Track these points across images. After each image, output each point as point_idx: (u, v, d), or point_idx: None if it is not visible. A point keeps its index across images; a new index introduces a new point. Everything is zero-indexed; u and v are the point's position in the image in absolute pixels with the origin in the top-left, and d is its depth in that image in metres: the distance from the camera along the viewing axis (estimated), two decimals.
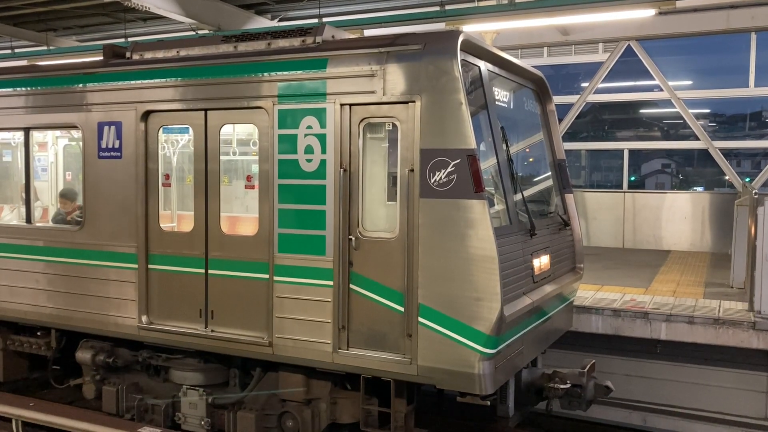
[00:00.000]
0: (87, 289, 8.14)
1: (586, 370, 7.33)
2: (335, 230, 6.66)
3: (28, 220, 8.82)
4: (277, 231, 6.94)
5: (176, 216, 8.80)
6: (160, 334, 7.69)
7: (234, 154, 8.81)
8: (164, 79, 7.55)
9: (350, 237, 6.64)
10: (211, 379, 7.85)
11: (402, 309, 6.43)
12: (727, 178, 16.72)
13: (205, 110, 7.36)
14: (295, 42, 7.19)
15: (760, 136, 18.00)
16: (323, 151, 6.70)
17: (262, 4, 17.46)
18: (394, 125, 6.47)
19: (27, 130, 8.74)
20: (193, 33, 16.01)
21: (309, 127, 6.75)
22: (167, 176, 7.99)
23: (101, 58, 8.39)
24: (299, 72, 6.81)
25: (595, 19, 13.45)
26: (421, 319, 6.31)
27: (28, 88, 8.61)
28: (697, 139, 16.75)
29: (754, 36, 16.02)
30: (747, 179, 16.28)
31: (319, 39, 7.06)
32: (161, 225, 7.74)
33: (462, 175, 6.10)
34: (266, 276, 7.06)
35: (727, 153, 16.97)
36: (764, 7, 15.00)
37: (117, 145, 7.87)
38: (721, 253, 15.38)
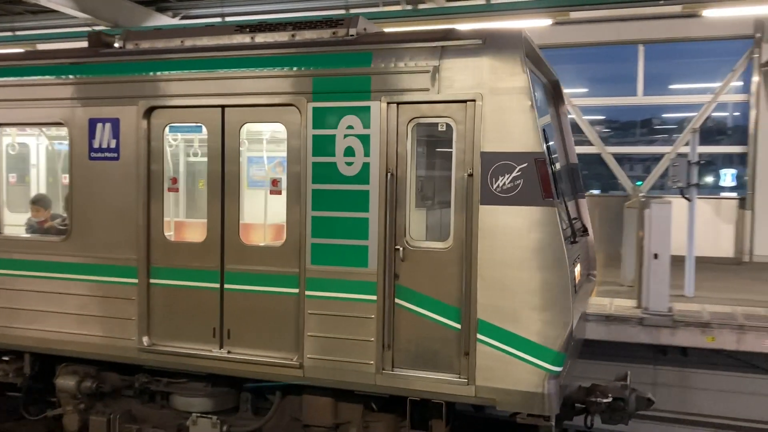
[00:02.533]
0: (73, 308, 7.17)
1: (627, 382, 7.06)
2: (380, 240, 6.08)
3: None
4: (311, 240, 6.29)
5: (183, 224, 7.93)
6: (165, 357, 6.84)
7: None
8: (174, 72, 6.74)
9: (397, 247, 6.07)
10: (221, 405, 7.06)
11: (457, 325, 5.93)
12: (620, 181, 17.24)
13: (223, 107, 6.60)
14: (325, 34, 6.56)
15: (649, 142, 18.67)
16: (366, 154, 6.10)
17: (163, 1, 16.75)
18: (448, 126, 5.97)
19: None
20: (90, 29, 14.94)
21: (350, 127, 6.14)
22: (174, 180, 7.16)
23: (85, 46, 7.49)
24: (339, 67, 6.20)
25: (494, 27, 13.73)
26: (480, 336, 5.83)
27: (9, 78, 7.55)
28: (591, 144, 17.13)
29: (641, 48, 16.55)
30: (639, 183, 16.77)
31: (353, 31, 6.47)
32: (166, 234, 6.90)
33: (529, 180, 5.66)
34: (296, 290, 6.38)
35: (621, 158, 17.44)
36: (650, 21, 15.58)
37: (114, 145, 6.97)
38: (615, 253, 15.85)
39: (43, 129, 8.74)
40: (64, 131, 7.29)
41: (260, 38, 6.78)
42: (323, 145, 6.24)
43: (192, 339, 6.78)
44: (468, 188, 5.83)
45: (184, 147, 8.42)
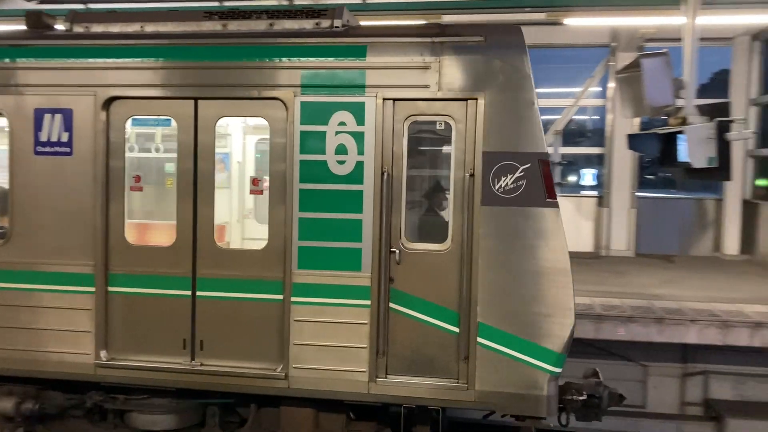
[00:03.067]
0: (12, 321, 6.37)
1: (600, 379, 7.18)
2: (374, 242, 5.81)
3: None
4: (297, 243, 5.91)
5: (144, 226, 7.22)
6: (126, 372, 6.21)
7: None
8: (139, 59, 6.12)
9: (393, 249, 5.83)
10: (187, 421, 6.52)
11: (456, 329, 5.77)
12: None
13: (196, 99, 6.07)
14: (307, 24, 6.19)
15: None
16: (360, 152, 5.81)
17: None
18: (447, 124, 5.79)
19: None
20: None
21: (342, 123, 5.82)
22: (137, 178, 6.49)
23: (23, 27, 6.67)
24: (330, 59, 5.85)
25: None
26: (480, 340, 5.70)
27: None
28: None
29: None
30: None
31: (338, 22, 6.14)
32: (127, 238, 6.26)
33: (533, 181, 5.60)
34: (279, 296, 5.98)
35: None
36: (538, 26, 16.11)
37: (66, 139, 6.23)
38: None
39: None
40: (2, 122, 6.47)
41: (233, 26, 6.30)
42: (312, 142, 5.87)
43: (158, 351, 6.20)
44: (468, 189, 5.69)
45: (150, 142, 7.72)
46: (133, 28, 6.42)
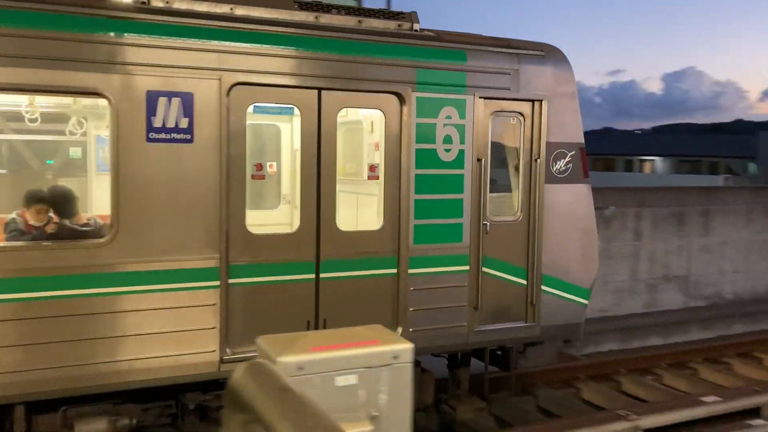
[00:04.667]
0: (121, 329, 5.58)
1: None
2: (472, 217, 6.91)
3: None
4: (413, 222, 6.63)
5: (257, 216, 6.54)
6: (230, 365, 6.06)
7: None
8: (268, 46, 5.93)
9: (484, 222, 6.99)
10: None
11: (525, 282, 7.28)
12: None
13: (320, 89, 6.20)
14: (391, 25, 6.80)
15: None
16: (462, 141, 6.82)
17: None
18: (518, 119, 7.16)
19: None
20: None
21: (448, 117, 6.74)
22: (259, 166, 6.11)
23: None
24: (439, 61, 6.67)
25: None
26: (544, 287, 7.34)
27: None
28: None
29: None
30: None
31: (416, 26, 6.91)
32: (248, 227, 6.02)
33: (576, 164, 7.42)
34: (394, 270, 6.62)
35: None
36: None
37: (185, 125, 5.68)
38: None
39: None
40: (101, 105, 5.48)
41: (325, 19, 6.51)
42: (425, 133, 6.65)
43: None
44: (535, 171, 7.22)
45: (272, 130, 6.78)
46: (222, 9, 6.11)
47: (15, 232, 5.76)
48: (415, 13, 7.09)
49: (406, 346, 4.60)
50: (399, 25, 6.93)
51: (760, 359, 11.07)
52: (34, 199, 5.95)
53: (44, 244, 5.68)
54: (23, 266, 5.37)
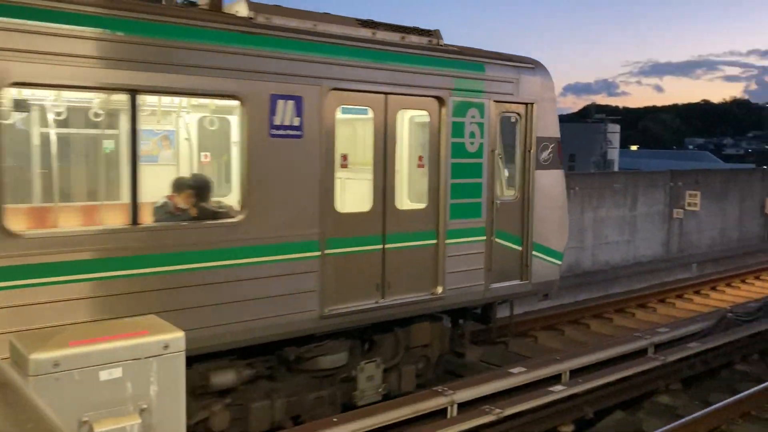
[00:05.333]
0: (246, 294, 6.65)
1: None
2: (487, 197, 8.64)
3: (135, 220, 5.99)
4: (450, 201, 8.21)
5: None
6: (339, 319, 7.37)
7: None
8: (351, 58, 7.23)
9: (495, 201, 8.72)
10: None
11: (520, 248, 9.12)
12: None
13: (386, 94, 7.57)
14: (423, 40, 8.29)
15: None
16: (482, 136, 8.54)
17: None
18: (517, 119, 8.93)
19: (133, 93, 5.88)
20: None
21: (473, 116, 8.41)
22: (345, 157, 7.28)
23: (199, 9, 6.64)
24: (465, 71, 8.30)
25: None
26: (534, 252, 9.23)
27: (136, 35, 5.87)
28: None
29: None
30: None
31: (442, 42, 8.45)
32: (336, 207, 7.27)
33: (555, 154, 9.38)
34: (434, 241, 8.17)
35: None
36: None
37: (297, 123, 6.83)
38: None
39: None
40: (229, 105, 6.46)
41: (380, 35, 7.87)
42: (458, 129, 8.25)
43: (359, 297, 7.58)
44: (527, 159, 9.08)
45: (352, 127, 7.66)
46: (306, 25, 7.29)
47: (167, 214, 6.65)
48: (438, 30, 8.66)
49: (177, 335, 4.60)
50: (429, 41, 8.47)
51: (633, 313, 13.94)
52: (182, 186, 6.88)
53: (191, 223, 6.71)
54: (174, 243, 6.35)
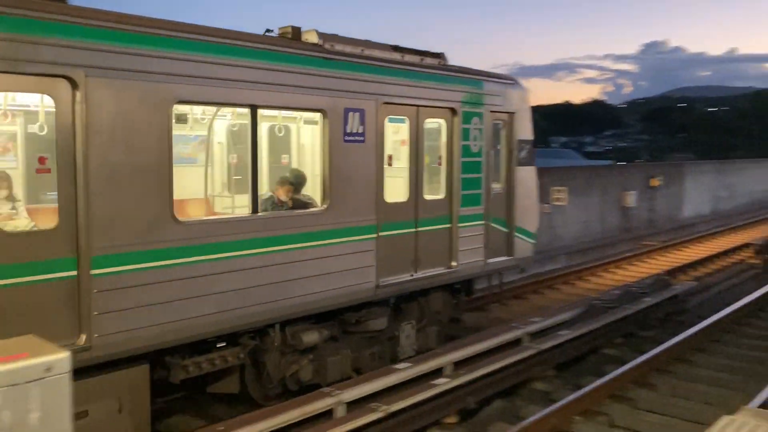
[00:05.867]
0: (326, 268, 8.39)
1: None
2: (485, 189, 10.76)
3: (255, 209, 7.55)
4: (461, 192, 10.25)
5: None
6: (387, 289, 9.23)
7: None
8: (396, 78, 9.10)
9: (496, 192, 10.90)
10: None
11: (506, 230, 11.23)
12: None
13: (418, 106, 9.46)
14: (435, 61, 10.15)
15: None
16: (481, 140, 10.61)
17: None
18: (501, 125, 11.07)
19: (254, 108, 7.32)
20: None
21: (475, 123, 10.47)
22: (390, 157, 8.98)
23: (288, 39, 8.28)
24: (470, 87, 10.40)
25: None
26: (516, 234, 11.40)
27: (257, 61, 7.34)
28: None
29: None
30: None
31: (447, 63, 10.34)
32: (385, 198, 9.15)
33: (529, 153, 11.58)
34: (448, 225, 10.22)
35: None
36: None
37: (361, 131, 8.58)
38: None
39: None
40: (316, 117, 8.15)
41: (407, 57, 9.68)
42: (465, 134, 10.31)
43: (399, 271, 9.44)
44: (510, 158, 11.19)
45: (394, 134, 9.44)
46: (356, 50, 8.98)
47: (274, 205, 8.24)
48: (444, 53, 10.56)
49: (61, 356, 4.29)
50: (439, 62, 10.34)
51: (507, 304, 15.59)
52: (284, 182, 8.49)
53: (288, 212, 8.31)
54: (276, 228, 7.93)
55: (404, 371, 8.65)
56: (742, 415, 5.86)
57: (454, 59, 10.54)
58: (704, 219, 31.42)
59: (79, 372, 5.67)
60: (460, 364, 9.37)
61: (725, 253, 21.83)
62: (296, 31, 8.49)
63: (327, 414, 7.70)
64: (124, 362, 6.68)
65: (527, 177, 11.81)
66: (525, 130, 11.72)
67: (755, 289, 15.27)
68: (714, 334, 12.19)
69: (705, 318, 12.67)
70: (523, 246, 11.80)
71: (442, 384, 8.56)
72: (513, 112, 11.41)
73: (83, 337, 6.22)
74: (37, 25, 5.84)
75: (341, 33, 9.79)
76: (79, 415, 5.91)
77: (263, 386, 8.37)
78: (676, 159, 79.45)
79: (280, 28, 8.61)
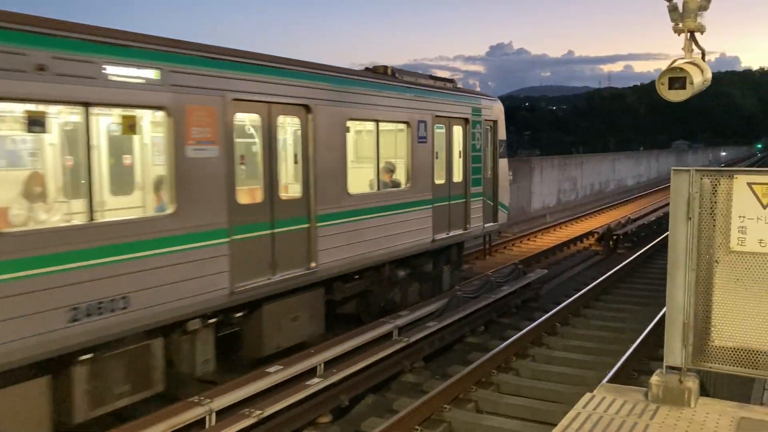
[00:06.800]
0: (407, 228, 12.61)
1: None
2: (486, 177, 15.62)
3: (378, 187, 12.02)
4: (471, 177, 14.96)
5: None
6: (436, 243, 13.64)
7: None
8: (439, 98, 13.77)
9: (488, 177, 15.65)
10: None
11: (492, 203, 16.19)
12: None
13: (449, 117, 14.22)
14: (449, 85, 14.89)
15: None
16: (480, 140, 15.42)
17: None
18: (490, 129, 16.00)
19: (377, 123, 11.86)
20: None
21: (477, 129, 15.32)
22: (437, 154, 13.55)
23: (377, 73, 12.72)
24: (474, 103, 15.19)
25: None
26: (499, 208, 16.43)
27: (379, 90, 11.75)
28: None
29: None
30: None
31: (456, 85, 15.22)
32: (435, 181, 13.62)
33: (504, 149, 16.77)
34: (464, 200, 14.80)
35: None
36: None
37: (426, 135, 13.23)
38: None
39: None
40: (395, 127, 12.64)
41: (437, 84, 14.23)
42: (473, 137, 15.08)
43: (442, 231, 13.80)
44: (495, 153, 16.22)
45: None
46: (412, 78, 13.46)
47: (384, 185, 12.37)
48: (454, 79, 15.33)
49: None
50: (453, 85, 15.03)
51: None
52: (387, 169, 12.62)
53: (393, 189, 12.43)
54: (381, 202, 11.98)
55: (275, 374, 8.56)
56: (603, 390, 6.44)
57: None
58: (551, 210, 34.32)
59: (295, 291, 9.62)
60: (333, 363, 9.44)
61: (572, 241, 24.11)
62: (385, 68, 12.81)
63: (200, 423, 7.45)
64: (309, 287, 10.20)
65: (504, 166, 16.69)
66: (502, 133, 16.58)
67: (599, 274, 17.55)
68: (566, 318, 13.66)
69: (558, 303, 14.31)
70: (503, 215, 16.71)
71: (315, 384, 8.63)
72: (495, 120, 16.21)
73: (313, 264, 9.99)
74: (292, 74, 9.60)
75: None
76: (293, 318, 9.83)
77: (371, 308, 12.30)
78: (523, 156, 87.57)
79: (373, 66, 12.80)
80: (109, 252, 7.04)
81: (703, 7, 8.04)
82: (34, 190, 7.64)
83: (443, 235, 13.78)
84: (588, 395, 6.31)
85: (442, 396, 8.98)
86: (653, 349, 11.38)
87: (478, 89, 16.54)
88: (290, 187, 10.62)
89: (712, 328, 6.22)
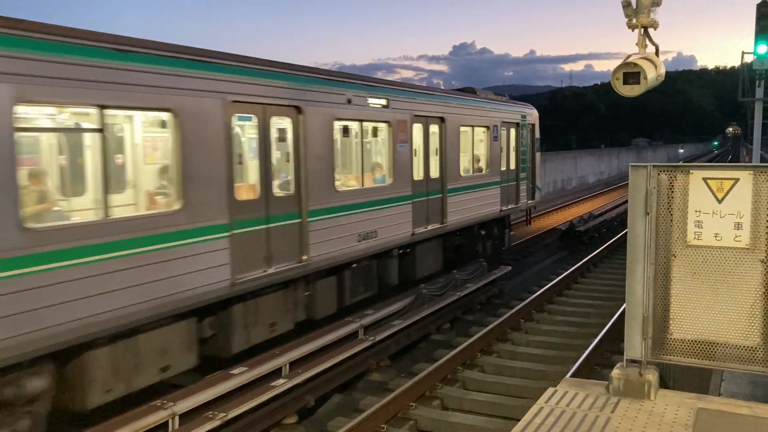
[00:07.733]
0: (486, 201, 14.49)
1: None
2: (528, 165, 16.42)
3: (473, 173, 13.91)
4: (520, 166, 16.08)
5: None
6: (504, 212, 15.88)
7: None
8: (503, 108, 16.08)
9: (529, 166, 16.36)
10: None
11: (532, 186, 17.20)
12: None
13: (509, 123, 15.59)
14: (506, 98, 16.03)
15: None
16: (525, 138, 16.19)
17: None
18: (529, 130, 16.62)
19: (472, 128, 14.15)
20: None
21: (523, 130, 16.11)
22: (502, 149, 15.02)
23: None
24: (520, 109, 16.25)
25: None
26: (536, 190, 17.13)
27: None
28: None
29: None
30: None
31: (509, 99, 15.86)
32: (460, 173, 14.29)
33: (538, 146, 17.46)
34: (515, 182, 16.66)
35: None
36: None
37: (497, 135, 14.94)
38: None
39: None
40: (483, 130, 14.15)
41: (502, 99, 15.55)
42: (521, 136, 16.25)
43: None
44: (533, 148, 17.19)
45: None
46: (487, 95, 14.60)
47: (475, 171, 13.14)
48: (506, 94, 15.96)
49: None
50: (476, 94, 15.35)
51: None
52: (477, 158, 14.14)
53: (477, 174, 14.13)
54: (471, 182, 14.06)
55: (240, 376, 8.01)
56: (565, 385, 6.30)
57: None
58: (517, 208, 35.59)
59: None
60: (298, 363, 8.81)
61: (539, 237, 22.46)
62: (472, 89, 14.73)
63: (163, 427, 7.09)
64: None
65: (538, 159, 17.78)
66: (537, 133, 17.53)
67: (563, 270, 16.71)
68: (529, 314, 12.84)
69: (522, 300, 13.58)
70: (538, 195, 18.01)
71: (281, 385, 8.12)
72: (533, 124, 16.95)
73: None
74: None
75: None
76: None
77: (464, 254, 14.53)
78: None
79: (462, 88, 14.78)
80: None
81: (656, 3, 7.55)
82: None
83: (506, 207, 15.64)
84: (551, 390, 6.08)
85: (408, 394, 8.49)
86: (615, 343, 10.76)
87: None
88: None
89: (671, 321, 5.77)
